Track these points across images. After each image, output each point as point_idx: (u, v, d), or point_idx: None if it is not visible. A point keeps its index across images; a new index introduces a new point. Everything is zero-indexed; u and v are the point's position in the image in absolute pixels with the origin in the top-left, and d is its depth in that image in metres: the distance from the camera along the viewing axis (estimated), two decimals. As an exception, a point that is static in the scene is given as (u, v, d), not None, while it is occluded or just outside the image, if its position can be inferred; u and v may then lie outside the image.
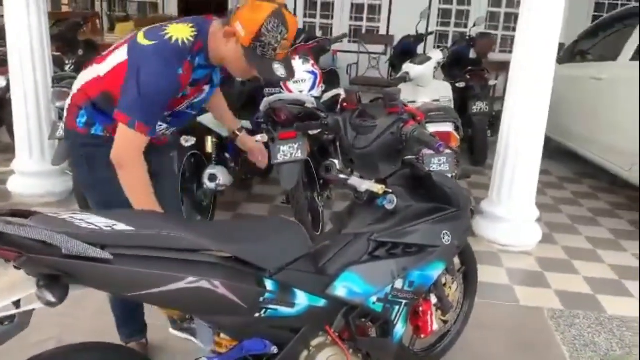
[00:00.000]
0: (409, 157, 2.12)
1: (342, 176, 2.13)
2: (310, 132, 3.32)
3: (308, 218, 3.45)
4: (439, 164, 3.31)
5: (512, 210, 3.76)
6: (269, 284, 1.61)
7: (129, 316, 2.40)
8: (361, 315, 1.93)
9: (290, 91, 3.72)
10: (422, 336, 2.30)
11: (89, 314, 2.63)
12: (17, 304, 1.29)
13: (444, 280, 2.37)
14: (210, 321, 1.55)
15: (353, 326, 1.91)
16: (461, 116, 5.80)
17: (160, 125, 2.06)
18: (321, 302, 1.78)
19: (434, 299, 2.28)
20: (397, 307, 1.95)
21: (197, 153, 3.56)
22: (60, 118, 3.61)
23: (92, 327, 2.55)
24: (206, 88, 2.12)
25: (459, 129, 3.50)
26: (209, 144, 3.56)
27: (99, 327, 2.44)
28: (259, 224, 1.81)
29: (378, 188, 2.00)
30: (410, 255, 1.97)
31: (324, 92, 4.30)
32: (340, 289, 1.82)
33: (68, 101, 2.07)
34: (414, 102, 4.27)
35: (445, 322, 2.44)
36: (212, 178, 3.37)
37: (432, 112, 3.45)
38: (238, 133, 2.53)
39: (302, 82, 3.70)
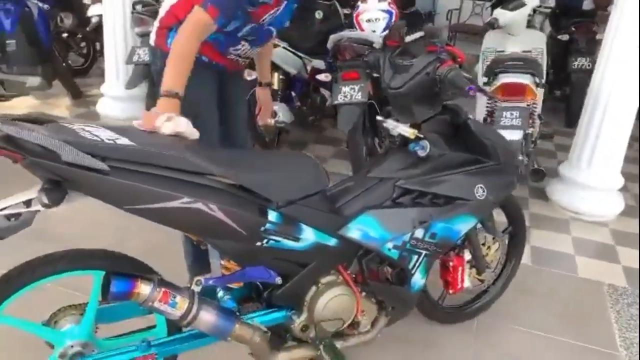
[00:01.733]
0: (449, 101, 2.00)
1: (378, 118, 2.05)
2: (375, 74, 3.20)
3: (365, 162, 3.39)
4: (510, 119, 3.09)
5: (591, 175, 3.44)
6: (272, 215, 1.61)
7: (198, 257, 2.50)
8: (377, 260, 1.89)
9: (363, 30, 3.59)
10: (451, 292, 2.22)
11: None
12: (28, 204, 1.39)
13: (482, 239, 2.25)
14: (212, 244, 1.58)
15: (366, 270, 1.88)
16: (560, 72, 5.38)
17: (243, 45, 2.07)
18: (332, 241, 1.75)
19: (467, 255, 2.18)
20: (415, 257, 1.88)
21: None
22: (140, 44, 3.77)
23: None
24: (284, 2, 2.05)
25: (539, 84, 3.21)
26: (275, 80, 3.56)
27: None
28: (277, 157, 1.80)
29: (410, 132, 1.90)
30: (437, 206, 1.88)
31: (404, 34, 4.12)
32: (354, 231, 1.78)
33: (156, 24, 2.11)
34: (502, 51, 3.97)
35: (481, 281, 2.34)
36: (273, 114, 3.38)
37: (508, 62, 3.19)
38: (260, 85, 2.48)
39: (375, 21, 3.56)
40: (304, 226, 1.69)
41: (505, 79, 3.10)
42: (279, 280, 1.74)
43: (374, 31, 3.58)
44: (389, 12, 3.59)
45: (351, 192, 1.89)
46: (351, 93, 3.14)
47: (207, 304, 1.58)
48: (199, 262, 2.28)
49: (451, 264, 2.16)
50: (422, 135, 1.89)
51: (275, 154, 1.84)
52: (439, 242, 1.89)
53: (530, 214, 3.49)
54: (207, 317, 1.57)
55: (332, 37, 3.24)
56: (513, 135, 3.11)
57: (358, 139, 3.25)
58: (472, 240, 2.15)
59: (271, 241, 1.63)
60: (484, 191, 1.92)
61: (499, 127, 3.12)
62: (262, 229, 1.59)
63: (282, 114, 3.41)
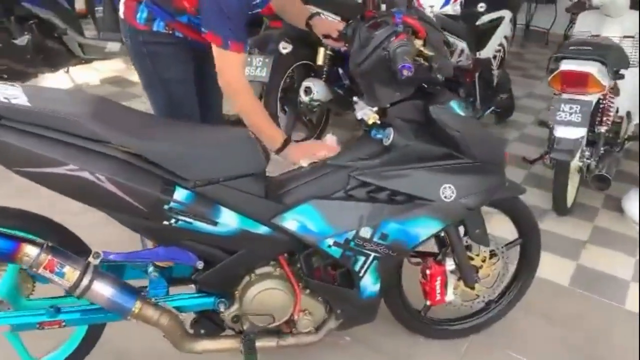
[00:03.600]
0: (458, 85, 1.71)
1: (354, 98, 1.82)
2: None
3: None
4: (568, 113, 2.64)
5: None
6: (180, 194, 1.49)
7: None
8: (320, 257, 1.69)
9: (421, 5, 3.27)
10: (429, 303, 1.95)
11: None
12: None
13: (476, 249, 1.94)
14: (113, 217, 1.50)
15: (304, 265, 1.69)
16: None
17: None
18: (262, 230, 1.60)
19: (450, 265, 1.89)
20: (362, 258, 1.66)
21: (309, 64, 3.41)
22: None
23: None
24: None
25: (615, 74, 2.68)
26: (321, 56, 3.38)
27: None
28: (210, 132, 1.65)
29: (369, 116, 1.66)
30: (393, 204, 1.63)
31: (482, 12, 3.71)
32: (290, 221, 1.60)
33: None
34: (597, 36, 3.41)
35: (477, 295, 2.03)
36: (308, 91, 3.22)
37: (574, 46, 2.70)
38: (310, 22, 2.06)
39: (433, -4, 3.22)
40: (223, 210, 1.55)
41: (567, 65, 2.63)
42: (200, 264, 1.63)
43: (431, 6, 3.24)
44: (451, -14, 3.23)
45: (301, 179, 1.71)
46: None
47: (104, 278, 1.51)
48: None
49: (428, 271, 1.89)
50: (383, 122, 1.65)
51: (209, 130, 1.70)
52: (391, 245, 1.64)
53: (594, 227, 2.99)
54: (103, 291, 1.50)
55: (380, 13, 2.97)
56: (571, 133, 2.65)
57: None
58: (455, 248, 1.85)
59: (180, 222, 1.51)
60: (452, 192, 1.63)
61: (556, 122, 2.68)
62: (167, 207, 1.47)
63: (317, 90, 3.22)
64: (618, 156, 3.33)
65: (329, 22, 2.05)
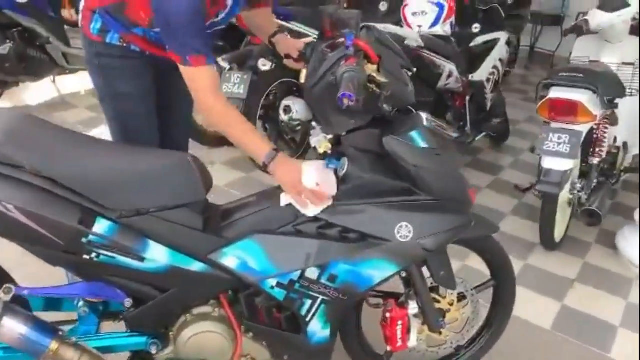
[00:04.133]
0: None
1: (313, 124, 1.68)
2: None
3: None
4: (556, 143, 2.48)
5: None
6: (101, 226, 1.35)
7: None
8: (263, 298, 1.54)
9: (409, 25, 3.14)
10: (389, 349, 1.79)
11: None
12: None
13: (444, 292, 1.77)
14: (28, 249, 1.36)
15: (245, 307, 1.54)
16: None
17: None
18: (197, 266, 1.45)
19: (413, 308, 1.72)
20: (309, 301, 1.50)
21: (293, 81, 3.28)
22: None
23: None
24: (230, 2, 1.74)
25: (602, 102, 2.52)
26: (304, 74, 3.23)
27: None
28: (142, 156, 1.51)
29: (321, 144, 1.52)
30: (344, 242, 1.48)
31: (476, 34, 3.57)
32: (229, 258, 1.46)
33: (82, 2, 1.90)
34: (596, 62, 3.25)
35: (445, 341, 1.86)
36: (287, 110, 3.08)
37: (564, 73, 2.54)
38: (273, 39, 1.94)
39: (421, 15, 3.08)
40: (152, 244, 1.41)
41: (556, 93, 2.47)
42: (128, 302, 1.48)
43: (420, 26, 3.11)
44: (440, 5, 3.09)
45: (247, 209, 1.56)
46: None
47: (15, 314, 1.36)
48: None
49: (388, 315, 1.72)
50: (329, 151, 1.50)
51: (144, 153, 1.56)
52: (341, 288, 1.49)
53: (584, 264, 2.81)
54: (13, 330, 1.35)
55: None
56: (559, 165, 2.49)
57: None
58: (418, 290, 1.68)
59: (102, 256, 1.37)
60: (409, 232, 1.47)
61: (543, 153, 2.52)
62: (85, 240, 1.33)
63: (297, 109, 3.09)
64: (612, 189, 3.16)
65: (291, 41, 1.91)
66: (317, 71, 1.48)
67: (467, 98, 3.43)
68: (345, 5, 4.32)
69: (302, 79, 3.24)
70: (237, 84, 2.97)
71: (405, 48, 2.79)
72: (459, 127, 3.39)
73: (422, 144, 1.50)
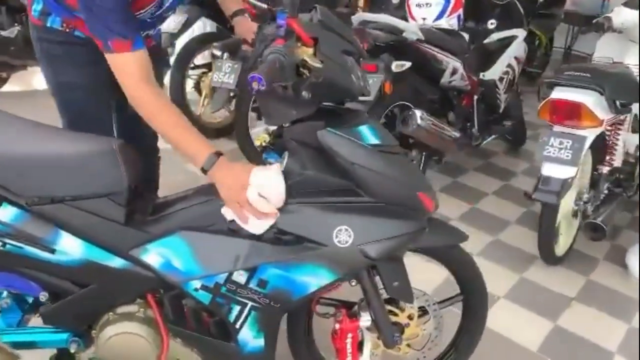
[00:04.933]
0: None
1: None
2: (395, 69, 2.59)
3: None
4: (557, 149, 2.27)
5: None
6: (7, 213, 1.26)
7: None
8: (190, 300, 1.41)
9: (413, 17, 2.96)
10: (340, 363, 1.63)
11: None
12: None
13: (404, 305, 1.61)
14: None
15: (170, 309, 1.42)
16: None
17: None
18: (116, 262, 1.35)
19: (365, 320, 1.57)
20: (237, 307, 1.37)
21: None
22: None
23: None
24: None
25: (611, 106, 2.29)
26: (302, 66, 3.11)
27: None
28: (63, 140, 1.40)
29: (259, 137, 1.39)
30: (278, 244, 1.34)
31: (491, 30, 3.35)
32: (152, 255, 1.34)
33: None
34: (620, 63, 3.00)
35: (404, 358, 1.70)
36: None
37: (570, 72, 2.32)
38: (232, 21, 1.81)
39: (426, 6, 2.90)
40: (65, 235, 1.30)
41: (558, 93, 2.26)
42: (43, 296, 1.38)
43: (424, 19, 2.93)
44: (446, -3, 2.90)
45: (181, 203, 1.44)
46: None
47: None
48: None
49: (338, 326, 1.57)
50: (265, 143, 1.36)
51: (65, 137, 1.44)
52: (271, 294, 1.35)
53: (588, 281, 2.58)
54: None
55: (355, 18, 2.68)
56: (559, 172, 2.28)
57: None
58: (370, 301, 1.53)
59: (9, 245, 1.27)
60: (349, 237, 1.32)
61: (543, 158, 2.32)
62: None
63: None
64: (630, 201, 2.91)
65: (249, 24, 1.77)
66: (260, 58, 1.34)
67: (476, 97, 3.23)
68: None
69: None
70: (227, 73, 2.86)
71: (402, 41, 2.61)
72: (464, 127, 3.19)
73: (372, 140, 1.34)
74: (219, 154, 1.34)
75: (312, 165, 1.34)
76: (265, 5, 3.20)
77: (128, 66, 1.35)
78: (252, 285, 1.34)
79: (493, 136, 3.46)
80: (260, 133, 1.40)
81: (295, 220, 1.33)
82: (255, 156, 2.88)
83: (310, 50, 1.24)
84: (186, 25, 3.29)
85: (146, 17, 1.55)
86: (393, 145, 1.40)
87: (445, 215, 3.01)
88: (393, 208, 1.34)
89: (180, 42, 3.47)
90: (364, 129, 1.35)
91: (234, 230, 1.36)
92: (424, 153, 3.07)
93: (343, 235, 1.32)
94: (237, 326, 1.39)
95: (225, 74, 2.86)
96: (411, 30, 2.62)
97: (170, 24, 3.20)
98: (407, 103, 2.82)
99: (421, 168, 3.10)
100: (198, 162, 1.33)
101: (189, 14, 3.21)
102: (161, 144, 1.97)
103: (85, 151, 1.34)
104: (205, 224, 1.37)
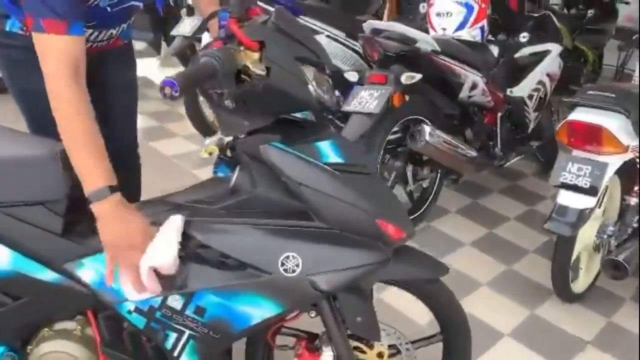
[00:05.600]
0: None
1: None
2: (405, 81, 2.43)
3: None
4: (575, 176, 2.06)
5: None
6: None
7: None
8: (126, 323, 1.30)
9: (433, 27, 2.78)
10: (298, 401, 1.48)
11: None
12: None
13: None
14: None
15: (104, 329, 1.31)
16: None
17: (92, 33, 1.55)
18: (48, 276, 1.26)
19: (327, 355, 1.42)
20: (174, 335, 1.25)
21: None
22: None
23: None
24: None
25: (636, 131, 2.05)
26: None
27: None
28: (10, 142, 1.32)
29: (207, 148, 1.26)
30: (221, 269, 1.21)
31: (523, 43, 3.13)
32: (87, 271, 1.25)
33: None
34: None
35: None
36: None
37: (592, 91, 2.10)
38: (208, 24, 1.57)
39: (446, 17, 2.72)
40: (-9, 243, 1.21)
41: (576, 115, 2.04)
42: (-24, 306, 1.30)
43: (444, 29, 2.75)
44: (468, 6, 2.70)
45: (152, 212, 1.33)
46: (366, 100, 2.42)
47: None
48: None
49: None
50: (210, 155, 1.24)
51: (14, 138, 1.36)
52: (211, 324, 1.22)
53: (608, 323, 2.32)
54: None
55: (366, 26, 2.53)
56: (576, 202, 2.06)
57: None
58: (331, 335, 1.37)
59: None
60: (297, 265, 1.17)
61: (559, 185, 2.10)
62: None
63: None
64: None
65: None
66: None
67: (500, 114, 3.01)
68: (387, 7, 4.02)
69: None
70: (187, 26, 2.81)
71: (415, 51, 2.45)
72: (485, 146, 2.98)
73: (332, 158, 1.20)
74: (114, 190, 1.17)
75: (262, 182, 1.21)
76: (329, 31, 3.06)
77: (57, 52, 1.19)
78: (189, 312, 1.22)
79: (518, 157, 3.23)
80: (207, 144, 1.26)
81: (238, 243, 1.20)
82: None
83: (256, 56, 1.11)
84: (201, 29, 3.21)
85: (105, 5, 1.45)
86: (359, 165, 1.26)
87: (457, 239, 2.81)
88: (349, 236, 1.19)
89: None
90: (324, 145, 1.21)
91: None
92: (438, 171, 2.89)
93: (290, 263, 1.18)
94: (175, 354, 1.27)
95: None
96: (425, 40, 2.45)
97: (186, 27, 3.15)
98: (421, 117, 2.64)
99: (435, 187, 2.92)
100: (87, 186, 1.17)
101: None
102: (167, 149, 1.86)
103: (24, 154, 1.25)
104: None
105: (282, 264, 1.18)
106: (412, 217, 2.84)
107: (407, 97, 2.70)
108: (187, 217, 1.22)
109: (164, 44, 4.66)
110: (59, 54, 1.19)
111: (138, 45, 4.31)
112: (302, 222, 1.19)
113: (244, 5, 1.12)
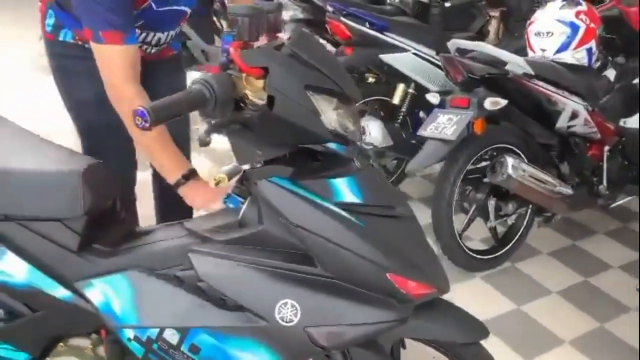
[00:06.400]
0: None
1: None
2: (489, 107, 2.21)
3: (453, 235, 2.39)
4: None
5: None
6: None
7: None
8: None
9: (532, 47, 2.51)
10: None
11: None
12: None
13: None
14: None
15: (110, 353, 1.29)
16: None
17: (144, 34, 1.58)
18: (60, 292, 1.27)
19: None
20: (169, 369, 1.19)
21: (385, 100, 2.89)
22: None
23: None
24: None
25: None
26: (399, 93, 2.83)
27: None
28: (35, 155, 1.34)
29: (217, 176, 1.19)
30: (221, 308, 1.14)
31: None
32: (95, 292, 1.24)
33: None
34: None
35: None
36: (362, 131, 2.68)
37: None
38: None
39: (546, 36, 2.44)
40: (10, 255, 1.25)
41: None
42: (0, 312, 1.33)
43: (543, 50, 2.46)
44: (573, 26, 2.39)
45: (148, 238, 1.31)
46: (444, 125, 2.24)
47: None
48: None
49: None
50: (220, 184, 1.15)
51: (38, 152, 1.37)
52: (204, 363, 1.14)
53: None
54: None
55: (450, 45, 2.34)
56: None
57: (441, 197, 2.31)
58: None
59: None
60: (295, 315, 1.06)
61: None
62: None
63: (372, 131, 2.67)
64: None
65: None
66: None
67: (607, 148, 2.64)
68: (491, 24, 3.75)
69: (396, 99, 2.85)
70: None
71: (503, 74, 2.21)
72: (589, 182, 2.62)
73: (347, 198, 1.07)
74: (189, 176, 1.37)
75: (268, 218, 1.11)
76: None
77: (116, 60, 1.33)
78: (184, 348, 1.15)
79: (630, 197, 2.82)
80: (217, 173, 1.18)
81: (236, 283, 1.11)
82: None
83: (260, 83, 1.02)
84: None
85: (150, 14, 1.48)
86: (383, 206, 1.11)
87: (543, 285, 2.50)
88: (354, 289, 1.05)
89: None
90: (340, 182, 1.08)
91: (182, 280, 1.18)
92: (529, 207, 2.59)
93: (287, 312, 1.07)
94: (174, 390, 1.21)
95: None
96: (516, 63, 2.20)
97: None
98: (509, 146, 2.39)
99: (525, 224, 2.63)
100: (168, 179, 1.38)
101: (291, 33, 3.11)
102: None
103: (47, 168, 1.26)
104: (160, 266, 1.22)
105: (279, 312, 1.07)
106: (494, 255, 2.58)
107: (492, 124, 2.46)
108: (195, 247, 1.17)
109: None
110: (118, 62, 1.33)
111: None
112: (305, 267, 1.07)
113: (253, 31, 1.02)
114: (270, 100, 1.00)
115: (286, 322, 1.06)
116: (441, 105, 2.39)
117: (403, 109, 2.85)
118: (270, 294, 1.08)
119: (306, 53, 1.07)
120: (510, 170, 2.17)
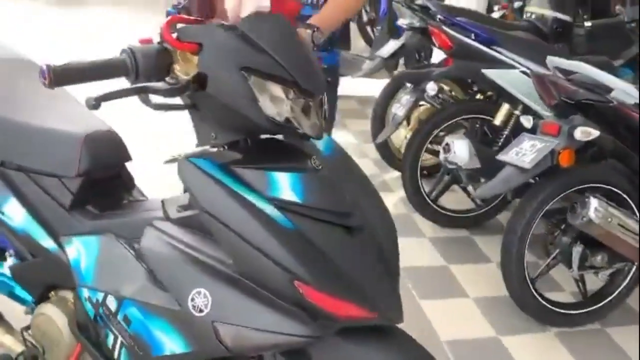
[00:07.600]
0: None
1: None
2: (579, 137, 1.91)
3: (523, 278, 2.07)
4: None
5: None
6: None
7: None
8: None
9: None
10: None
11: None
12: None
13: None
14: None
15: (77, 307, 1.35)
16: None
17: None
18: (48, 244, 1.39)
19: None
20: (111, 336, 1.23)
21: (486, 119, 2.64)
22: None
23: None
24: None
25: None
26: (502, 113, 2.56)
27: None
28: (61, 116, 1.44)
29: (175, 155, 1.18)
30: (152, 283, 1.14)
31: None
32: (72, 248, 1.33)
33: None
34: None
35: None
36: (446, 149, 2.46)
37: None
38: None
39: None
40: (13, 202, 1.38)
41: None
42: (9, 253, 1.48)
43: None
44: None
45: (133, 209, 1.36)
46: (526, 151, 1.98)
47: None
48: None
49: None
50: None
51: (67, 113, 1.46)
52: (134, 337, 1.15)
53: None
54: None
55: (549, 61, 2.05)
56: None
57: (511, 245, 2.03)
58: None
59: None
60: (206, 306, 1.00)
61: None
62: None
63: (457, 150, 2.42)
64: None
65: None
66: None
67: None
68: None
69: (498, 120, 2.62)
70: (401, 106, 2.58)
71: (605, 102, 1.88)
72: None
73: (284, 195, 0.99)
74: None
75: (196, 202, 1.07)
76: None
77: None
78: (120, 317, 1.16)
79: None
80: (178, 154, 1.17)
81: (164, 262, 1.08)
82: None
83: (195, 60, 0.98)
84: (399, 54, 3.11)
85: None
86: (329, 212, 1.01)
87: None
88: (263, 292, 0.96)
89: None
90: (282, 177, 1.01)
91: (137, 251, 1.19)
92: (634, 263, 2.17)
93: (200, 301, 1.01)
94: (115, 356, 1.22)
95: (399, 107, 2.61)
96: (624, 90, 1.86)
97: (385, 47, 3.08)
98: (609, 186, 2.03)
99: (626, 280, 2.20)
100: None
101: (407, 40, 2.99)
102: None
103: (58, 127, 1.37)
104: (128, 235, 1.25)
105: (193, 299, 1.02)
106: (578, 311, 2.21)
107: (597, 160, 2.11)
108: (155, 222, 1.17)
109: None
110: None
111: (367, 64, 4.34)
112: (222, 258, 1.01)
113: (204, 7, 0.99)
114: (202, 78, 0.96)
115: (197, 311, 1.01)
116: (533, 129, 2.12)
117: (505, 132, 2.58)
118: (188, 280, 1.03)
119: (259, 35, 1.01)
120: (592, 214, 1.83)
